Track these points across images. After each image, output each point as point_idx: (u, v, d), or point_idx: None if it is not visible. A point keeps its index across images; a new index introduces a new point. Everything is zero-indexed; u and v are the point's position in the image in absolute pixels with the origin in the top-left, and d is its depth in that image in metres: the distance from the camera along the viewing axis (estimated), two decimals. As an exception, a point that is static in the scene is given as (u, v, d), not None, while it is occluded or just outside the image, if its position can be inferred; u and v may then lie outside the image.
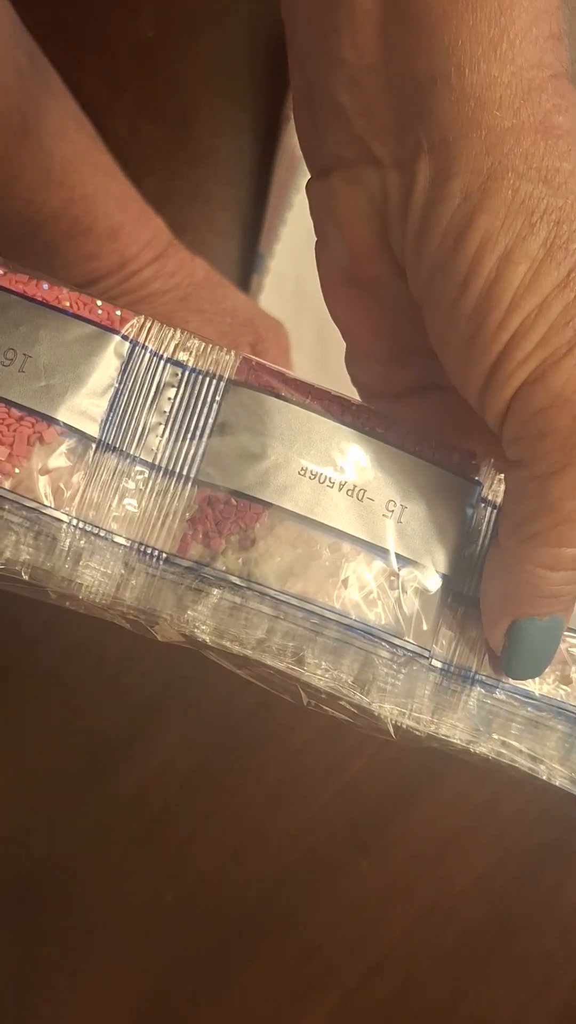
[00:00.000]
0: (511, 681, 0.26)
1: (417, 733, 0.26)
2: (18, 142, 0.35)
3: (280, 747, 0.45)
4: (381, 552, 0.25)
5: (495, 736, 0.27)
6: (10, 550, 0.25)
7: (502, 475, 0.27)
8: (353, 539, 0.25)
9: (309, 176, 0.25)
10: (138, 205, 0.39)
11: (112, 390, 0.25)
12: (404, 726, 0.26)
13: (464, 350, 0.22)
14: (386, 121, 0.22)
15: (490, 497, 0.27)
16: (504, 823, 0.46)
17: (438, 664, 0.26)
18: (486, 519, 0.27)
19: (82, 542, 0.25)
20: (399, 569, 0.26)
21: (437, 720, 0.26)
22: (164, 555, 0.25)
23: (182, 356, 0.26)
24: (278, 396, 0.25)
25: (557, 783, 0.27)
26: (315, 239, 0.26)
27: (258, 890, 0.45)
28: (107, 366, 0.25)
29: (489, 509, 0.27)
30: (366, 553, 0.25)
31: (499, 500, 0.27)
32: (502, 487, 0.27)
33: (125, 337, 0.25)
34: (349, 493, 0.25)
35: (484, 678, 0.26)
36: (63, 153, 0.36)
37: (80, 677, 0.44)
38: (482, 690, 0.26)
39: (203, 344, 0.26)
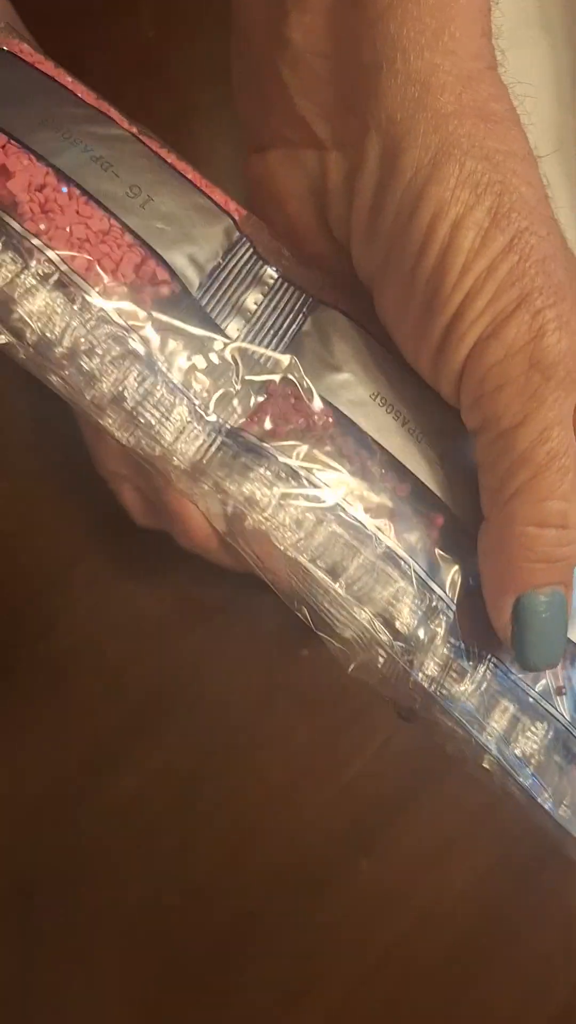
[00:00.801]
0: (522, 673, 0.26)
1: (417, 680, 0.26)
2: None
3: (280, 747, 0.45)
4: (426, 491, 0.26)
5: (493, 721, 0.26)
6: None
7: None
8: (406, 473, 0.26)
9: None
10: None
11: (215, 263, 0.25)
12: (406, 672, 0.26)
13: (420, 316, 0.23)
14: (329, 103, 0.23)
15: None
16: (504, 824, 0.46)
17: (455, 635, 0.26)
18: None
19: (159, 386, 0.25)
20: (444, 521, 0.26)
21: (440, 675, 0.26)
22: (228, 425, 0.25)
23: (280, 263, 0.26)
24: (363, 327, 0.26)
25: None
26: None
27: (258, 890, 0.45)
28: (216, 240, 0.26)
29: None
30: (412, 487, 0.26)
31: None
32: None
33: (236, 225, 0.26)
34: (411, 432, 0.26)
35: (496, 664, 0.26)
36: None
37: (80, 677, 0.44)
38: (491, 676, 0.26)
39: (297, 262, 0.26)
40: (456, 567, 0.26)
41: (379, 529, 0.25)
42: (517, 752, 0.27)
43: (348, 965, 0.45)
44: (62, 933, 0.45)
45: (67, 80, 0.28)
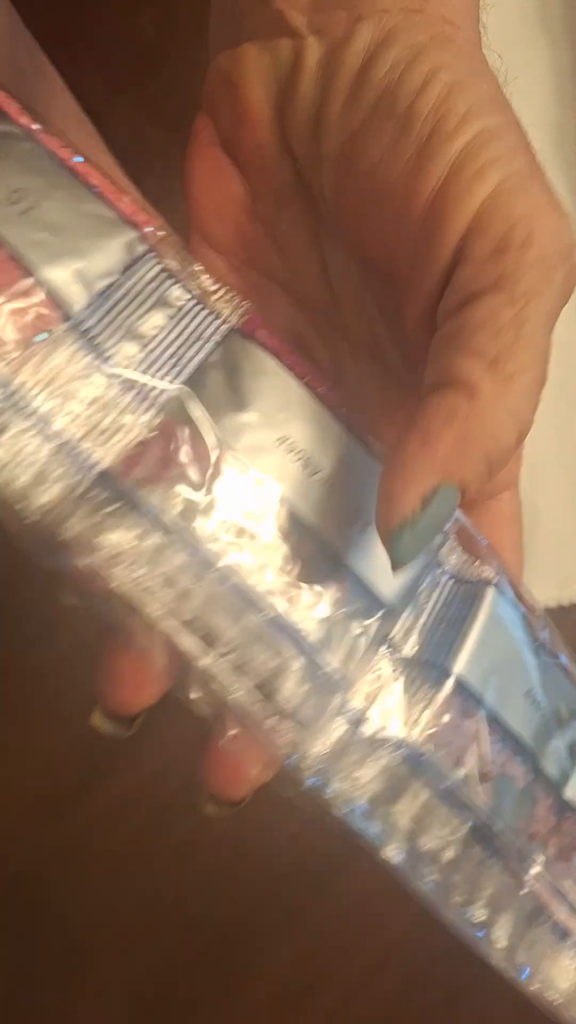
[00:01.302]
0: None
1: (301, 770, 0.23)
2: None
3: (280, 747, 0.45)
4: (337, 560, 0.23)
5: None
6: None
7: (458, 547, 0.25)
8: (314, 533, 0.23)
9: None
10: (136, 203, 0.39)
11: (108, 281, 0.22)
12: (293, 753, 0.22)
13: (414, 168, 0.21)
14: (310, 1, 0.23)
15: (447, 561, 0.25)
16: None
17: (357, 713, 0.23)
18: (441, 585, 0.25)
19: (10, 413, 0.21)
20: (349, 587, 0.23)
21: (329, 766, 0.23)
22: (101, 468, 0.21)
23: (191, 283, 0.23)
24: (279, 361, 0.23)
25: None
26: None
27: (258, 890, 0.45)
28: (113, 255, 0.23)
29: (446, 576, 0.25)
30: (320, 554, 0.23)
31: (457, 567, 0.25)
32: (463, 554, 0.25)
33: (142, 238, 0.23)
34: (323, 483, 0.23)
35: (407, 749, 0.23)
36: (63, 153, 0.36)
37: (80, 677, 0.44)
38: (398, 761, 0.23)
39: (219, 284, 0.24)
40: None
41: (269, 592, 0.22)
42: (425, 847, 0.23)
43: (348, 965, 0.45)
44: (63, 932, 0.45)
45: None
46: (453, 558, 0.25)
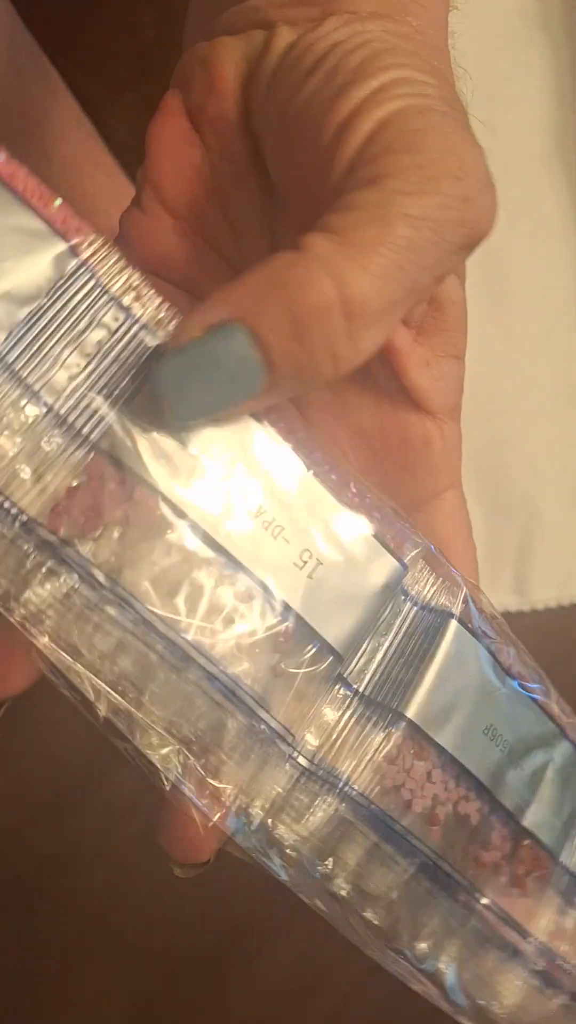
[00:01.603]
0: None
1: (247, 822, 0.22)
2: (16, 142, 0.35)
3: (280, 747, 0.45)
4: (280, 605, 0.21)
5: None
6: None
7: (429, 569, 0.24)
8: (253, 578, 0.21)
9: None
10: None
11: (35, 303, 0.20)
12: (237, 809, 0.21)
13: (329, 106, 0.21)
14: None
15: (412, 591, 0.24)
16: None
17: (302, 761, 0.22)
18: (403, 614, 0.23)
19: None
20: (293, 631, 0.21)
21: (272, 819, 0.22)
22: (25, 517, 0.19)
23: (130, 302, 0.21)
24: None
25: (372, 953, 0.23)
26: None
27: (258, 890, 0.45)
28: (39, 273, 0.20)
29: (408, 604, 0.24)
30: (261, 599, 0.21)
31: (421, 595, 0.24)
32: (426, 582, 0.24)
33: (73, 251, 0.20)
34: (265, 525, 0.21)
35: (355, 793, 0.22)
36: (63, 153, 0.36)
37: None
38: (345, 806, 0.22)
39: (161, 300, 0.21)
40: None
41: (198, 649, 0.20)
42: (370, 888, 0.23)
43: (348, 965, 0.45)
44: (62, 932, 0.45)
45: None
46: (418, 585, 0.24)
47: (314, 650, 0.22)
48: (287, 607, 0.21)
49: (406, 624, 0.23)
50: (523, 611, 0.47)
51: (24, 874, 0.45)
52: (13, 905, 0.45)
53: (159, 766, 0.21)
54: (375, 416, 0.24)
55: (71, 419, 0.20)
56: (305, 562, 0.21)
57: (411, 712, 0.23)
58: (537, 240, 0.49)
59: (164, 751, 0.21)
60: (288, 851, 0.22)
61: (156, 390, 0.19)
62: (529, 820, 0.24)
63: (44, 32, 0.37)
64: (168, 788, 0.21)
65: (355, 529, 0.22)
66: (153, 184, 0.24)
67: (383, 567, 0.23)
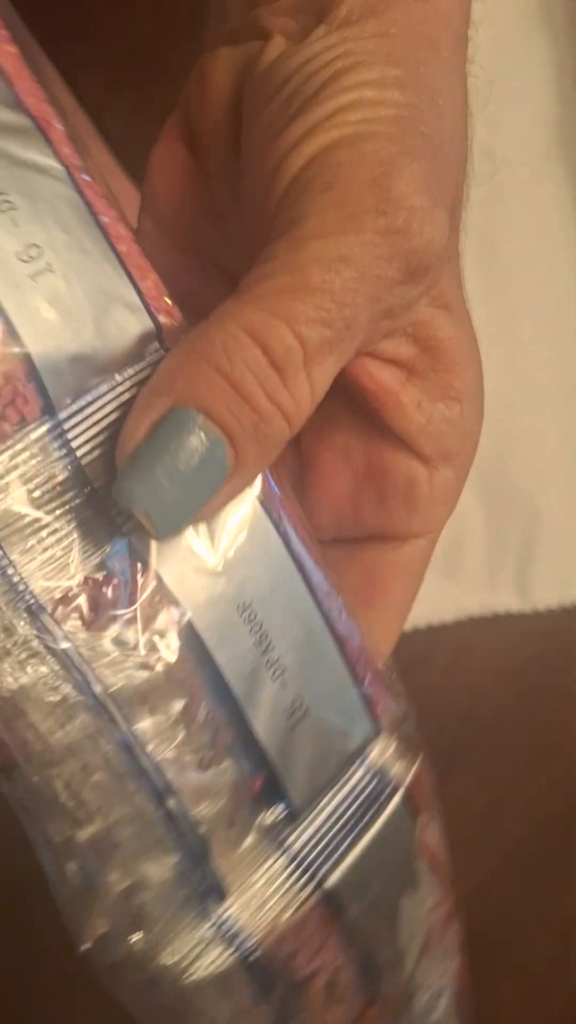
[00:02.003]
0: None
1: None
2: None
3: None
4: (257, 757, 0.20)
5: None
6: None
7: (396, 734, 0.23)
8: (222, 695, 0.20)
9: None
10: (136, 204, 0.39)
11: (102, 379, 0.19)
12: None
13: (279, 133, 0.21)
14: (287, 9, 0.22)
15: (371, 754, 0.23)
16: (505, 828, 0.45)
17: (221, 917, 0.21)
18: (357, 778, 0.22)
19: None
20: (262, 786, 0.20)
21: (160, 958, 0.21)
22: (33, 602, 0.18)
23: None
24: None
25: None
26: None
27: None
28: (120, 350, 0.19)
29: (364, 768, 0.22)
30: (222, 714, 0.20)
31: (377, 761, 0.23)
32: (387, 746, 0.23)
33: (156, 334, 0.19)
34: (268, 664, 0.20)
35: (250, 953, 0.21)
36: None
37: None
38: (234, 960, 0.21)
39: None
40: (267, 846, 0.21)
41: (172, 780, 0.19)
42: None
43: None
44: (61, 934, 0.45)
45: (11, 64, 0.19)
46: (379, 748, 0.23)
47: (276, 809, 0.21)
48: (264, 758, 0.20)
49: (356, 789, 0.22)
50: (524, 612, 0.47)
51: (23, 875, 0.45)
52: (11, 907, 0.45)
53: (90, 884, 0.21)
54: (363, 446, 0.24)
55: (107, 505, 0.19)
56: (294, 712, 0.20)
57: (329, 883, 0.22)
58: (539, 238, 0.48)
59: (93, 872, 0.20)
60: (167, 981, 0.21)
61: (126, 507, 0.18)
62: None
63: (42, 28, 0.37)
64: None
65: (346, 687, 0.21)
66: (150, 210, 0.24)
67: (361, 729, 0.22)
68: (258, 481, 0.21)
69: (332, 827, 0.22)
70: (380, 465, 0.24)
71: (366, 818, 0.23)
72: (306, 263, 0.19)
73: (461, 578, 0.47)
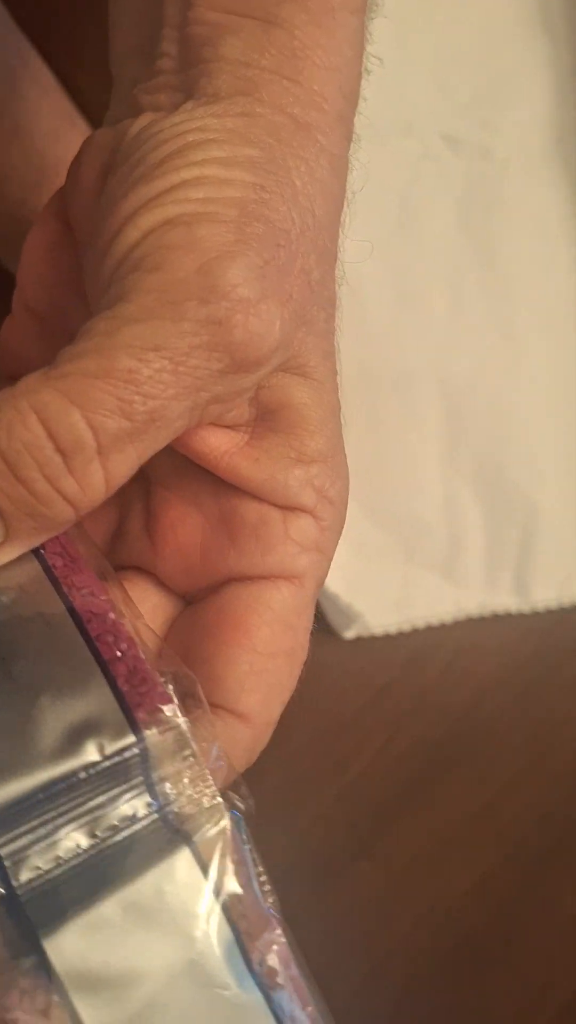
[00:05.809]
0: None
1: None
2: (9, 142, 0.35)
3: (279, 749, 0.45)
4: None
5: None
6: None
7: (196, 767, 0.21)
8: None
9: None
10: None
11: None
12: None
13: (113, 209, 0.21)
14: (162, 90, 0.22)
15: (159, 785, 0.21)
16: (504, 826, 0.45)
17: None
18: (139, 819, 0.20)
19: None
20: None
21: None
22: None
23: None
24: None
25: None
26: None
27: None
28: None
29: (145, 812, 0.20)
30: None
31: (170, 796, 0.21)
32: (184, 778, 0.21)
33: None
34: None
35: None
36: (57, 153, 0.36)
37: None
38: None
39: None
40: None
41: None
42: None
43: (348, 967, 0.45)
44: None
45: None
46: (174, 787, 0.20)
47: None
48: None
49: (135, 828, 0.20)
50: (523, 611, 0.47)
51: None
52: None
53: None
54: (213, 491, 0.23)
55: None
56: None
57: (52, 951, 0.18)
58: (537, 238, 0.48)
59: None
60: None
61: None
62: None
63: (41, 30, 0.37)
64: None
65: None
66: (20, 290, 0.24)
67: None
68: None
69: (71, 867, 0.19)
70: (231, 509, 0.23)
71: (124, 867, 0.20)
72: (117, 349, 0.19)
73: (460, 579, 0.47)
